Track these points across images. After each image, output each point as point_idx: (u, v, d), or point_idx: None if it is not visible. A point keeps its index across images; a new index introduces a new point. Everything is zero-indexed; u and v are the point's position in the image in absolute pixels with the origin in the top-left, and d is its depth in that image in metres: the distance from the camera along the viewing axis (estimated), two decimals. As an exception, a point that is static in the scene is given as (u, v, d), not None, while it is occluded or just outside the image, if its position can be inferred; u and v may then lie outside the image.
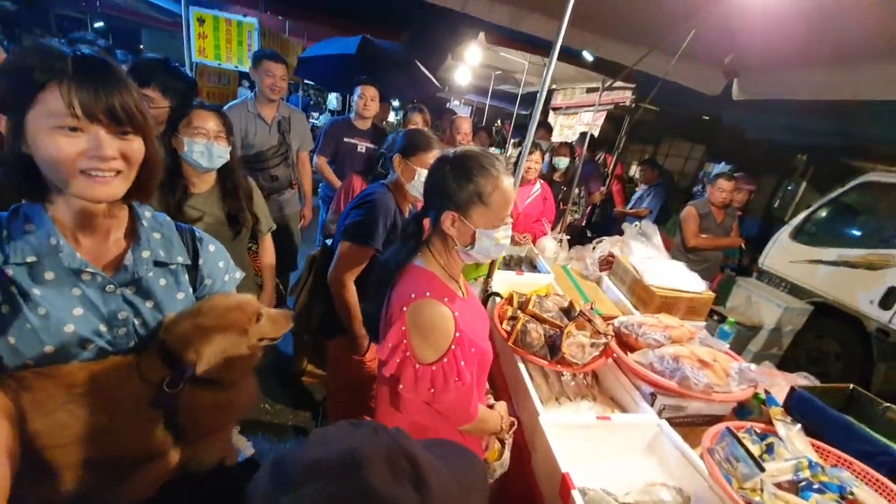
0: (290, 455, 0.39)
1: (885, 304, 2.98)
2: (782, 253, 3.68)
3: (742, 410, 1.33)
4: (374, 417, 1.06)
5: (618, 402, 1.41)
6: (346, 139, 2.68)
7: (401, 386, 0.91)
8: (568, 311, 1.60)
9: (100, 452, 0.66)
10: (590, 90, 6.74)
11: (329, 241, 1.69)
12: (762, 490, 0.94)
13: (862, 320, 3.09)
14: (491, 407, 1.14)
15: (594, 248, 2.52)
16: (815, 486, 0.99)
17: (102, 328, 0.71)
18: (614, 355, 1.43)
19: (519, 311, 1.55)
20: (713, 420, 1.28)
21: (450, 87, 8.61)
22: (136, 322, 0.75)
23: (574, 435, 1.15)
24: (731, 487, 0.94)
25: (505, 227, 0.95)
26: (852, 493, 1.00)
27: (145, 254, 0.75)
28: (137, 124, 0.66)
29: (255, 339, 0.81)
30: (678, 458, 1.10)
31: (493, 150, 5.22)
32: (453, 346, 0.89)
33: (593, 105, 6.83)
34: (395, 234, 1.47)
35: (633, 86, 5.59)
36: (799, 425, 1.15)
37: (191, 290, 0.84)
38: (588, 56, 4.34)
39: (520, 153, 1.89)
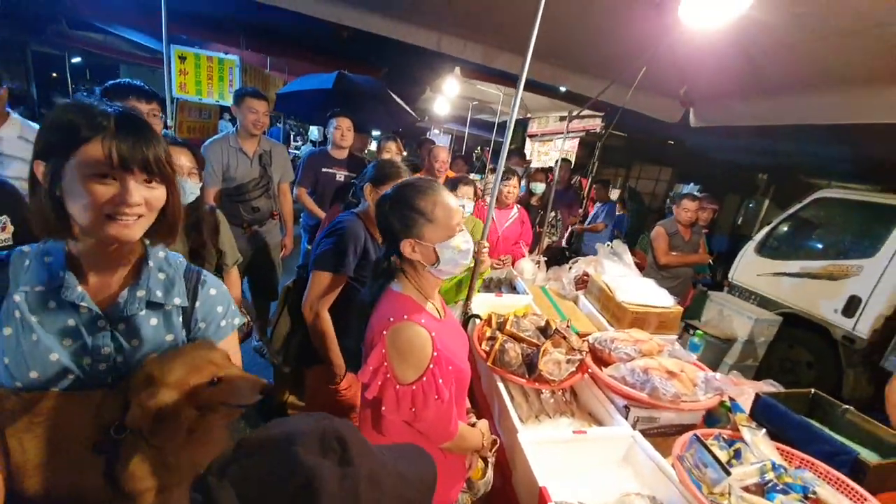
0: (248, 436, 0.44)
1: (847, 312, 3.13)
2: (749, 267, 3.86)
3: (711, 419, 1.39)
4: None
5: (595, 417, 1.44)
6: (324, 169, 2.76)
7: (383, 407, 0.93)
8: (545, 330, 1.65)
9: (36, 488, 0.65)
10: (562, 118, 7.10)
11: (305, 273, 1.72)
12: (730, 494, 0.98)
13: (829, 329, 3.23)
14: (472, 425, 1.16)
15: (570, 268, 2.61)
16: (780, 488, 1.04)
17: (86, 361, 0.72)
18: (589, 371, 1.47)
19: (497, 332, 1.60)
20: (684, 429, 1.33)
21: (429, 117, 8.91)
22: (118, 359, 0.75)
23: (552, 450, 1.18)
24: (701, 493, 0.98)
25: (461, 233, 1.01)
26: (815, 493, 1.05)
27: (140, 293, 0.77)
28: (164, 174, 0.71)
29: (215, 404, 0.75)
30: (651, 467, 1.14)
31: (473, 176, 5.40)
32: (431, 366, 0.93)
33: (568, 133, 7.19)
34: (367, 261, 1.51)
35: (601, 114, 5.93)
36: (764, 430, 1.20)
37: (183, 332, 0.83)
38: (562, 88, 4.61)
39: (495, 178, 1.99)
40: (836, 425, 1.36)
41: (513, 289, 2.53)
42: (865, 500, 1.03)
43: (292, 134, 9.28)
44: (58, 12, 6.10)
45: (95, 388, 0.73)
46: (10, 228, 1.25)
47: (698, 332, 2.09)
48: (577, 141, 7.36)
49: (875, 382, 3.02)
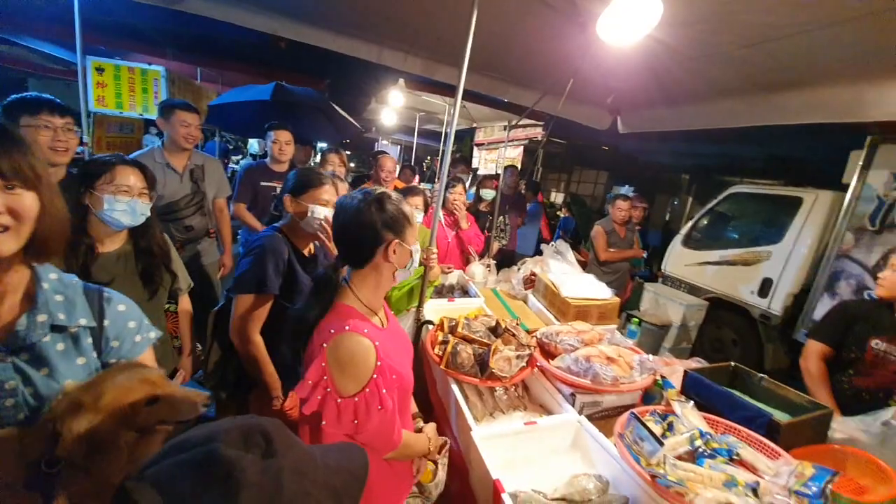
0: (170, 441, 0.44)
1: (762, 293, 3.52)
2: (678, 259, 4.24)
3: (647, 397, 1.50)
4: None
5: (546, 408, 1.50)
6: (262, 183, 2.66)
7: (323, 422, 0.90)
8: (495, 329, 1.70)
9: None
10: (507, 128, 7.41)
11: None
12: (665, 463, 1.07)
13: (748, 309, 3.61)
14: (419, 430, 1.17)
15: (519, 269, 2.71)
16: (708, 453, 1.14)
17: None
18: (538, 364, 1.54)
19: (449, 335, 1.62)
20: (625, 410, 1.41)
21: (376, 128, 8.89)
22: (27, 392, 0.69)
23: (505, 443, 1.22)
24: (640, 465, 1.06)
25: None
26: (738, 455, 1.17)
27: (41, 318, 0.71)
28: (25, 178, 0.65)
29: (152, 424, 0.72)
30: (597, 448, 1.21)
31: (423, 185, 5.45)
32: (375, 376, 0.92)
33: (511, 141, 7.48)
34: (294, 277, 1.46)
35: (542, 123, 6.25)
36: (692, 403, 1.32)
37: (94, 354, 0.78)
38: (504, 99, 4.80)
39: (440, 186, 2.02)
40: (754, 393, 1.52)
41: (465, 293, 2.58)
42: (780, 455, 1.16)
43: (230, 148, 8.83)
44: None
45: (6, 426, 0.66)
46: None
47: (634, 319, 2.26)
48: (521, 149, 7.70)
49: (791, 353, 3.40)
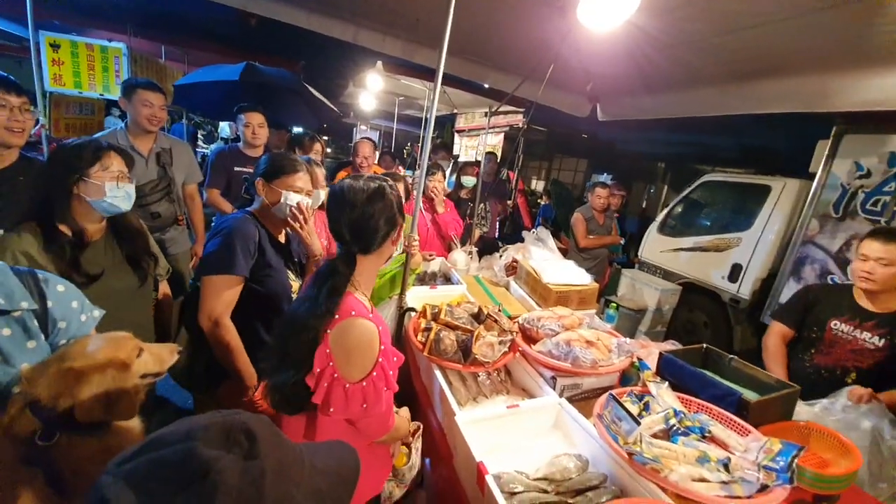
0: (152, 434, 0.42)
1: (732, 278, 3.66)
2: (653, 245, 4.35)
3: (625, 379, 1.54)
4: None
5: (528, 391, 1.53)
6: (236, 168, 2.55)
7: (331, 409, 0.89)
8: (478, 316, 1.71)
9: None
10: (487, 114, 7.35)
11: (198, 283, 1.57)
12: (641, 441, 1.10)
13: (719, 293, 3.75)
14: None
15: (501, 255, 2.72)
16: (681, 431, 1.18)
17: None
18: (520, 349, 1.55)
19: (432, 322, 1.61)
20: (604, 391, 1.45)
21: (355, 112, 8.67)
22: None
23: (488, 427, 1.23)
24: (618, 444, 1.09)
25: None
26: (710, 432, 1.21)
27: None
28: None
29: (138, 376, 0.79)
30: (577, 429, 1.24)
31: (404, 172, 5.36)
32: (380, 359, 0.91)
33: (492, 128, 7.45)
34: (265, 260, 1.42)
35: (523, 110, 6.22)
36: (666, 383, 1.36)
37: (42, 336, 0.78)
38: (486, 84, 4.74)
39: (420, 173, 2.00)
40: (724, 373, 1.58)
41: (448, 281, 2.58)
42: (749, 431, 1.21)
43: (200, 133, 8.44)
44: None
45: None
46: None
47: (612, 304, 2.31)
48: (502, 136, 7.67)
49: (758, 335, 3.56)
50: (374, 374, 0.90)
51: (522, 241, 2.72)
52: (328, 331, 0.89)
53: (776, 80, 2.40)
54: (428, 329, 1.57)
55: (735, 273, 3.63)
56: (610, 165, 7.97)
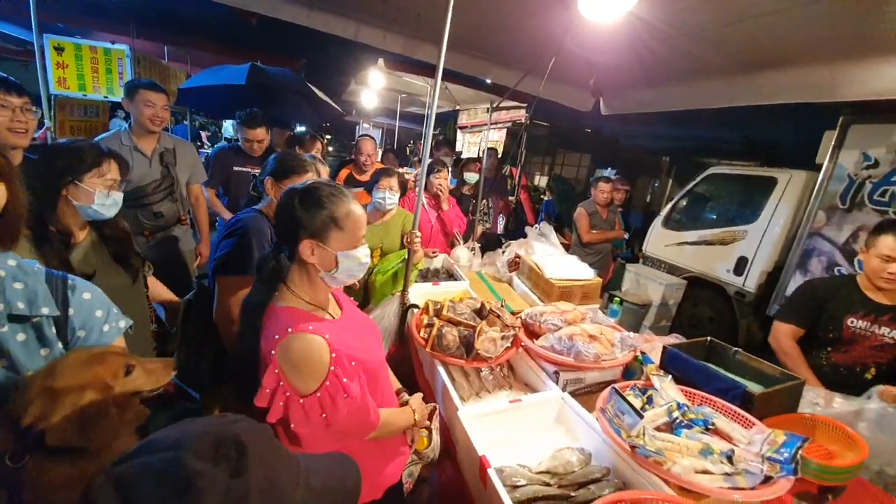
0: (155, 433, 0.42)
1: (738, 271, 3.63)
2: (658, 239, 4.32)
3: (628, 373, 1.54)
4: None
5: (531, 386, 1.53)
6: (236, 168, 2.56)
7: (292, 425, 0.89)
8: (480, 312, 1.71)
9: None
10: (489, 110, 7.32)
11: (206, 282, 1.57)
12: (644, 434, 1.10)
13: (724, 287, 3.72)
14: (405, 403, 1.18)
15: (503, 251, 2.72)
16: (685, 423, 1.18)
17: None
18: (523, 344, 1.55)
19: (434, 318, 1.62)
20: (606, 385, 1.45)
21: (357, 110, 8.67)
22: None
23: (491, 421, 1.23)
24: (620, 437, 1.09)
25: (363, 247, 1.00)
26: (714, 424, 1.21)
27: None
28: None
29: (129, 394, 0.73)
30: (580, 423, 1.24)
31: (405, 169, 5.35)
32: (332, 368, 0.90)
33: (495, 123, 7.42)
34: None
35: (525, 105, 6.18)
36: (670, 377, 1.36)
37: (59, 344, 0.76)
38: (488, 80, 4.71)
39: (421, 168, 1.99)
40: (728, 366, 1.57)
41: (451, 277, 2.58)
42: (753, 424, 1.20)
43: (204, 134, 8.48)
44: None
45: None
46: None
47: (616, 298, 2.30)
48: (504, 131, 7.64)
49: (764, 329, 3.53)
50: (328, 383, 0.90)
51: (525, 236, 2.71)
52: (272, 352, 0.89)
53: (782, 70, 2.37)
54: (430, 325, 1.57)
55: (741, 266, 3.60)
56: (614, 160, 7.91)
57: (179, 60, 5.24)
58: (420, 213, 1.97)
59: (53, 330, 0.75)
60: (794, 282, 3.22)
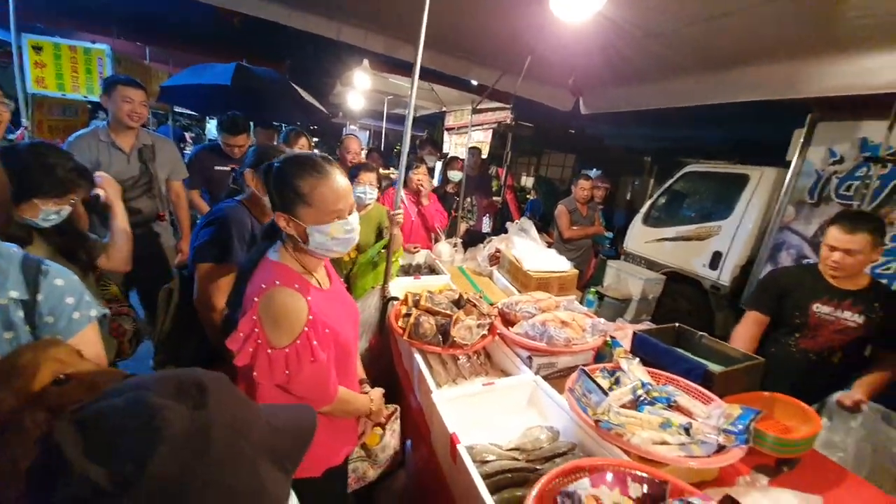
0: (117, 384, 0.43)
1: (713, 265, 3.74)
2: (638, 236, 4.43)
3: (599, 357, 1.59)
4: None
5: (506, 373, 1.57)
6: (217, 167, 2.57)
7: (255, 373, 0.92)
8: (458, 302, 1.75)
9: None
10: (476, 111, 7.40)
11: (185, 272, 1.59)
12: (609, 411, 1.15)
13: (700, 281, 3.83)
14: (365, 394, 1.21)
15: (485, 246, 2.77)
16: (648, 401, 1.24)
17: None
18: (498, 332, 1.60)
19: (413, 308, 1.66)
20: (578, 369, 1.51)
21: (343, 112, 8.67)
22: None
23: (465, 404, 1.27)
24: (587, 415, 1.14)
25: (340, 222, 1.00)
26: (676, 402, 1.27)
27: None
28: None
29: (65, 403, 0.63)
30: (550, 404, 1.28)
31: (391, 169, 5.38)
32: (306, 328, 0.94)
33: (480, 124, 7.49)
34: None
35: (509, 106, 6.27)
36: (637, 359, 1.41)
37: (27, 327, 0.76)
38: (473, 81, 4.76)
39: (400, 164, 2.03)
40: (695, 349, 1.64)
41: (433, 272, 2.62)
42: (713, 400, 1.26)
43: (188, 135, 8.39)
44: None
45: None
46: None
47: (591, 290, 2.37)
48: (490, 132, 7.72)
49: (738, 320, 3.63)
50: (299, 342, 0.93)
51: (507, 232, 2.77)
52: (255, 299, 0.92)
53: (749, 68, 2.46)
54: (408, 315, 1.61)
55: (715, 261, 3.71)
56: (597, 160, 8.05)
57: (161, 61, 5.21)
58: (401, 209, 2.01)
59: (21, 314, 0.75)
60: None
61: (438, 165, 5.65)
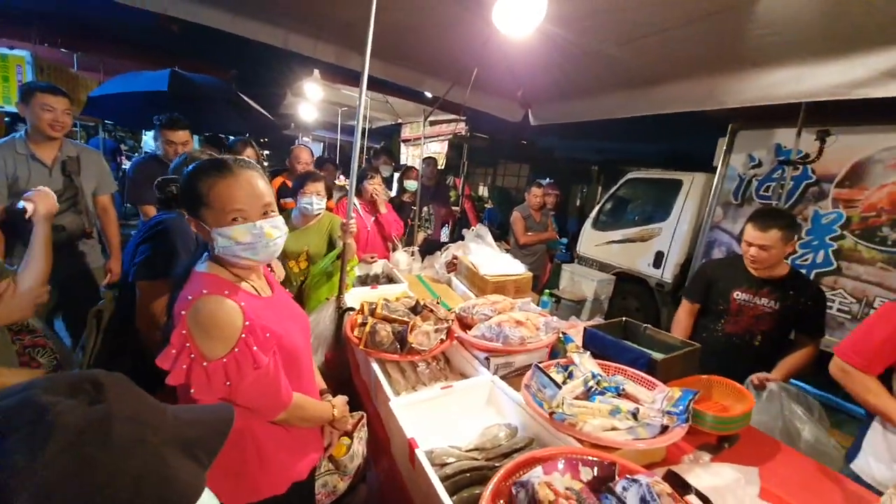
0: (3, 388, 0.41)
1: (656, 265, 4.01)
2: (589, 239, 4.66)
3: (554, 354, 1.64)
4: None
5: (466, 376, 1.57)
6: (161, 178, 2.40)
7: (192, 390, 0.86)
8: (415, 308, 1.75)
9: None
10: (432, 123, 7.50)
11: (115, 291, 1.48)
12: (563, 403, 1.19)
13: (646, 280, 4.08)
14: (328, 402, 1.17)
15: (442, 254, 2.79)
16: (599, 391, 1.29)
17: None
18: (456, 336, 1.61)
19: (369, 317, 1.63)
20: (534, 367, 1.55)
21: (295, 123, 8.48)
22: None
23: (423, 408, 1.26)
24: (542, 409, 1.17)
25: (245, 224, 0.92)
26: (624, 390, 1.33)
27: None
28: None
29: None
30: (508, 401, 1.30)
31: (347, 179, 5.30)
32: (243, 335, 0.88)
33: (436, 136, 7.61)
34: None
35: (464, 118, 6.43)
36: (588, 352, 1.48)
37: None
38: (427, 93, 4.81)
39: (351, 174, 2.00)
40: (641, 341, 1.74)
41: (391, 281, 2.60)
42: (656, 385, 1.34)
43: (123, 147, 7.82)
44: None
45: None
46: None
47: (546, 291, 2.45)
48: (446, 143, 7.86)
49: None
50: (237, 350, 0.87)
51: (464, 239, 2.81)
52: (182, 312, 0.87)
53: (672, 84, 2.69)
54: (364, 324, 1.58)
55: (658, 260, 3.98)
56: (549, 170, 8.43)
57: (91, 69, 4.83)
58: (356, 220, 1.98)
59: None
60: (703, 270, 3.61)
61: (397, 176, 5.67)
